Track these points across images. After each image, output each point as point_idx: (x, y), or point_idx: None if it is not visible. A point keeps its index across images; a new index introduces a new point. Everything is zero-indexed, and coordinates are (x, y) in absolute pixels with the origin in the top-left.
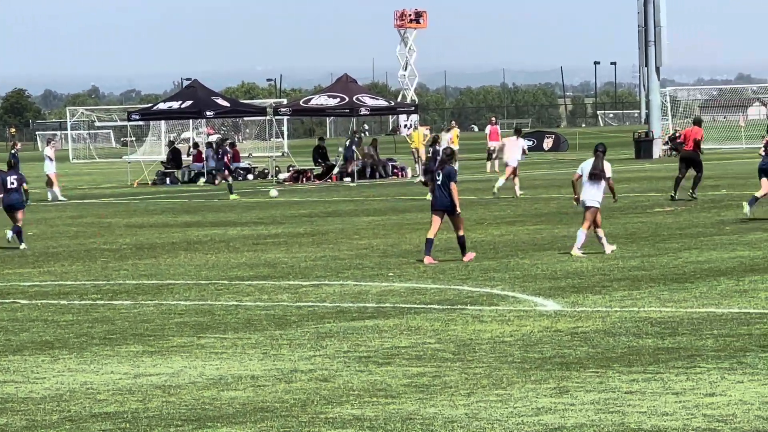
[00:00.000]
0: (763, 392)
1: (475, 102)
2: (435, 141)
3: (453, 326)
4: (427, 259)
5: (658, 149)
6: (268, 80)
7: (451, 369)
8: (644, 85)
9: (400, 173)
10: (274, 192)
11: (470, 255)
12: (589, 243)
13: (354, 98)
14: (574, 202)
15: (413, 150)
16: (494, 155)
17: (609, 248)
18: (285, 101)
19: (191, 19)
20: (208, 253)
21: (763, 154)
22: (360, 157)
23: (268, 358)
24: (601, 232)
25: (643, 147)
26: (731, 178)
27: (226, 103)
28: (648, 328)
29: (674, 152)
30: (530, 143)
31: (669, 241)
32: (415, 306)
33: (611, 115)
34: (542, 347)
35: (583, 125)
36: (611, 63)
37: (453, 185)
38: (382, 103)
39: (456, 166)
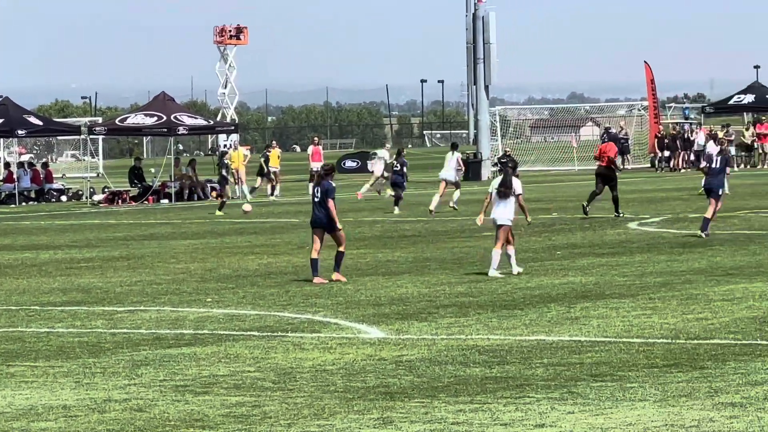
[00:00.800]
0: (595, 423)
1: (298, 121)
2: (399, 153)
3: (273, 354)
4: (316, 280)
5: (487, 170)
6: (83, 98)
7: (271, 398)
8: (473, 104)
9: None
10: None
11: (340, 276)
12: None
13: (172, 117)
14: (477, 222)
15: (233, 171)
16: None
17: (517, 269)
18: (100, 120)
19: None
20: (18, 277)
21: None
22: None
23: (81, 387)
24: (511, 250)
25: (471, 168)
26: (563, 200)
27: (38, 122)
28: (475, 357)
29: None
30: (354, 164)
31: (500, 267)
32: (234, 333)
33: (438, 135)
34: (366, 376)
35: (410, 145)
36: (439, 81)
37: (331, 202)
38: (201, 122)
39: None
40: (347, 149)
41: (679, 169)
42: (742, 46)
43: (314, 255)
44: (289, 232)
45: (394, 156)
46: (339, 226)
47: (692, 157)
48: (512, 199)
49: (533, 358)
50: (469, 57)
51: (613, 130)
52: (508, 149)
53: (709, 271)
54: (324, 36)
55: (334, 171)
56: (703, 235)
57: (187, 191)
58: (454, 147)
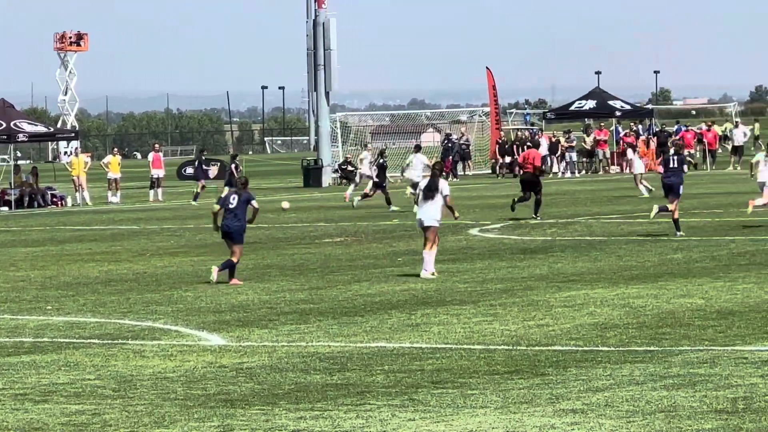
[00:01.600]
0: (436, 430)
1: (138, 128)
2: (381, 154)
3: (113, 362)
4: (233, 281)
5: (328, 177)
6: None
7: (111, 407)
8: (314, 111)
9: (60, 202)
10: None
11: (237, 281)
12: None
13: (12, 124)
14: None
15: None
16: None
17: (427, 273)
18: None
19: None
20: None
21: (662, 170)
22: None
23: None
24: (432, 253)
25: (312, 175)
26: (402, 208)
27: None
28: (316, 364)
29: (345, 180)
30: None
31: (339, 273)
32: (74, 341)
33: (279, 142)
34: (206, 383)
35: (250, 152)
36: (279, 88)
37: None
38: (41, 129)
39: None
40: (188, 156)
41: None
42: (584, 52)
43: (234, 259)
44: (130, 239)
45: (377, 156)
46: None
47: None
48: (439, 200)
49: (374, 365)
50: (309, 63)
51: (455, 137)
52: (348, 156)
53: (551, 278)
54: (165, 43)
55: (248, 182)
56: (679, 234)
57: (27, 198)
58: (418, 148)
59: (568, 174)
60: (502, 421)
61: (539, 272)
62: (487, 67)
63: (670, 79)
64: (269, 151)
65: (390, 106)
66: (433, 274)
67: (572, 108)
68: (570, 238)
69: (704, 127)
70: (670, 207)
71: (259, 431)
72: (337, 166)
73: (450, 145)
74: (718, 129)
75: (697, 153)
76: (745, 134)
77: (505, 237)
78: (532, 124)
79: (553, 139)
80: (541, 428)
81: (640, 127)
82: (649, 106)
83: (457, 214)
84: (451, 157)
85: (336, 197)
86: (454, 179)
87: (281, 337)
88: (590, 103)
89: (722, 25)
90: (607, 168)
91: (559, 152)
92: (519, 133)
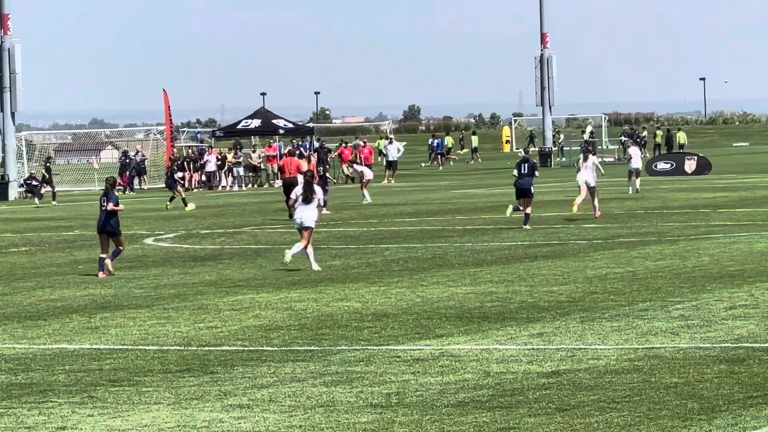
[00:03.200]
0: (113, 425)
1: None
2: (47, 160)
3: None
4: (101, 275)
5: (14, 191)
6: None
7: None
8: (0, 130)
9: None
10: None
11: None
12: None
13: None
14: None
15: None
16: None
17: (316, 266)
18: None
19: None
20: None
21: (516, 175)
22: None
23: None
24: (310, 249)
25: None
26: (83, 219)
27: None
28: (1, 365)
29: (30, 194)
30: None
31: (24, 280)
32: None
33: None
34: None
35: None
36: None
37: (117, 208)
38: None
39: None
40: None
41: (192, 189)
42: (251, 75)
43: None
44: None
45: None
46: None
47: (203, 178)
48: (315, 203)
49: (56, 365)
50: None
51: (132, 153)
52: (33, 172)
53: (219, 283)
54: None
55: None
56: (527, 227)
57: None
58: (355, 147)
59: (236, 187)
60: (174, 416)
61: (209, 278)
62: (163, 90)
63: (329, 100)
64: None
65: (72, 125)
66: (317, 270)
67: (239, 126)
68: (237, 247)
69: (361, 143)
70: (522, 207)
71: None
72: (22, 181)
73: (127, 161)
74: (373, 145)
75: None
76: (398, 150)
77: (178, 246)
78: (202, 141)
79: (221, 155)
80: (210, 422)
81: (306, 143)
82: (310, 125)
83: (327, 211)
84: (128, 173)
85: (22, 210)
86: (131, 192)
87: None
88: (256, 122)
89: (377, 50)
90: (272, 182)
91: (226, 167)
92: (190, 150)
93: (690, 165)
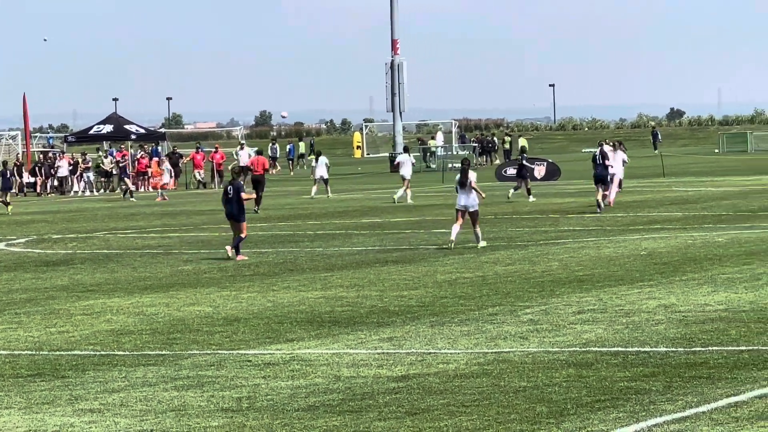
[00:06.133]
0: None
1: None
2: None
3: None
4: None
5: None
6: None
7: None
8: None
9: None
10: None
11: None
12: None
13: None
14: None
15: None
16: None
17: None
18: None
19: None
20: None
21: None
22: None
23: None
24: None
25: None
26: None
27: None
28: None
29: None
30: None
31: None
32: None
33: None
34: None
35: None
36: None
37: None
38: None
39: None
40: None
41: (45, 194)
42: (103, 80)
43: None
44: None
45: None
46: None
47: (56, 183)
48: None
49: None
50: None
51: None
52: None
53: (71, 288)
54: None
55: None
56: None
57: None
58: (318, 154)
59: (88, 192)
60: (25, 421)
61: (61, 283)
62: (24, 94)
63: (181, 106)
64: None
65: None
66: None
67: (91, 132)
68: (89, 252)
69: (213, 149)
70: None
71: None
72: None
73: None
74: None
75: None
76: (249, 155)
77: (30, 251)
78: (53, 147)
79: (73, 160)
80: (62, 427)
81: (158, 149)
82: (162, 130)
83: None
84: None
85: None
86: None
87: None
88: (108, 127)
89: (229, 56)
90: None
91: (78, 172)
92: (41, 155)
93: (539, 170)
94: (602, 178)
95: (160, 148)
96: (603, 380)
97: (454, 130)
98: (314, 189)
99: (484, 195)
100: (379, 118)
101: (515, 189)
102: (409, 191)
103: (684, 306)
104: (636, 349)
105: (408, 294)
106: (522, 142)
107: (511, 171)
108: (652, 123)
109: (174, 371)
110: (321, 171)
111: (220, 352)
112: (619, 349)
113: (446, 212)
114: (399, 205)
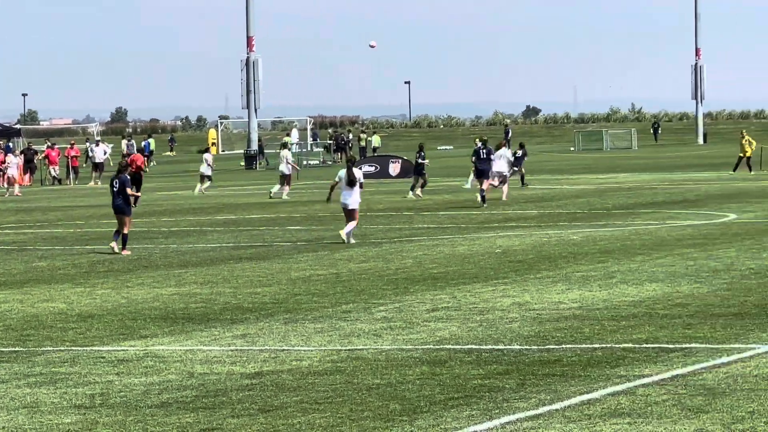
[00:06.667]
0: None
1: None
2: (420, 149)
3: None
4: None
5: None
6: None
7: None
8: None
9: None
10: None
11: None
12: None
13: None
14: None
15: None
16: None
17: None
18: None
19: None
20: None
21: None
22: None
23: None
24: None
25: None
26: None
27: None
28: None
29: None
30: None
31: None
32: None
33: None
34: None
35: None
36: None
37: None
38: None
39: None
40: None
41: None
42: None
43: None
44: None
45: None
46: None
47: None
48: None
49: None
50: None
51: None
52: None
53: None
54: None
55: None
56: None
57: None
58: (205, 150)
59: None
60: None
61: None
62: None
63: (37, 102)
64: None
65: None
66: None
67: None
68: None
69: (68, 145)
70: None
71: None
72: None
73: None
74: (81, 147)
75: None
76: (105, 152)
77: None
78: None
79: None
80: None
81: (10, 144)
82: (18, 126)
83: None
84: None
85: None
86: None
87: None
88: None
89: (84, 52)
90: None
91: None
92: None
93: (395, 168)
94: (485, 173)
95: (11, 144)
96: (456, 378)
97: (309, 127)
98: (198, 186)
99: (362, 186)
100: (235, 115)
101: (413, 189)
102: (287, 187)
103: (538, 304)
104: (490, 346)
105: (262, 291)
106: (375, 139)
107: (367, 168)
108: (654, 117)
109: (27, 368)
110: (202, 168)
111: (73, 348)
112: (473, 346)
113: (300, 209)
114: (254, 202)
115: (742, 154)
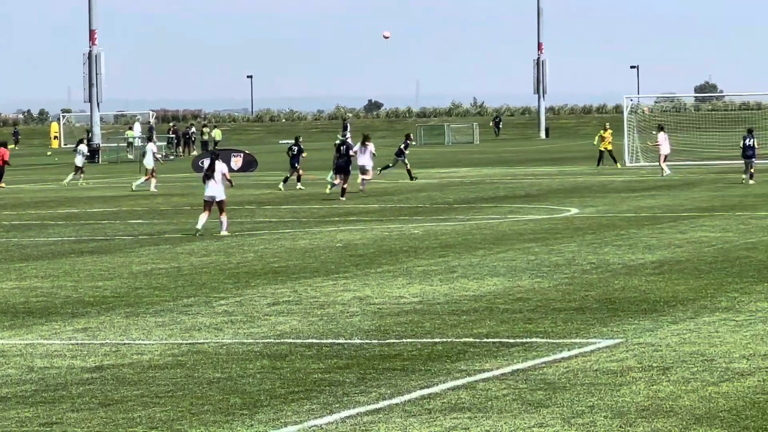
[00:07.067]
0: None
1: None
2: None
3: None
4: None
5: None
6: None
7: None
8: None
9: None
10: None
11: None
12: None
13: None
14: None
15: None
16: None
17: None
18: None
19: None
20: None
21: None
22: None
23: None
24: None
25: None
26: None
27: None
28: None
29: None
30: None
31: None
32: None
33: None
34: None
35: None
36: None
37: None
38: None
39: None
40: None
41: None
42: None
43: None
44: None
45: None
46: None
47: None
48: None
49: None
50: None
51: None
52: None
53: None
54: None
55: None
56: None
57: None
58: (79, 142)
59: None
60: None
61: None
62: None
63: None
64: None
65: None
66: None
67: None
68: None
69: None
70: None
71: None
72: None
73: None
74: None
75: None
76: None
77: None
78: None
79: None
80: None
81: None
82: None
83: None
84: None
85: None
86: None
87: None
88: None
89: None
90: None
91: None
92: None
93: (236, 162)
94: (344, 168)
95: None
96: (297, 372)
97: (152, 120)
98: (70, 176)
99: (233, 184)
100: (77, 109)
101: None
102: (153, 180)
103: (379, 298)
104: (330, 341)
105: (103, 284)
106: (216, 133)
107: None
108: (496, 111)
109: None
110: (77, 159)
111: None
112: (314, 340)
113: (142, 203)
114: (96, 195)
115: (602, 149)
